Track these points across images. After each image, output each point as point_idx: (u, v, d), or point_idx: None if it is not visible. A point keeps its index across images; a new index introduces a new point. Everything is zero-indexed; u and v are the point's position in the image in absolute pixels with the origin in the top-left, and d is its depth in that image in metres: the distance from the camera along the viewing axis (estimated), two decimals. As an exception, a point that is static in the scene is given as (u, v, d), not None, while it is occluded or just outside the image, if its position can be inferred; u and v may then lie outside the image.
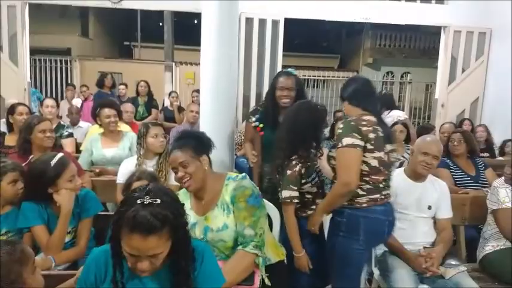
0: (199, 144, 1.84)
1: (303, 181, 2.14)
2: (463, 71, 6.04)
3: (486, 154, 4.61)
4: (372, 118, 2.01)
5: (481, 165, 3.23)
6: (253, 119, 2.75)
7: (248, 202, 1.78)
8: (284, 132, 2.19)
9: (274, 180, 2.33)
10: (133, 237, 1.17)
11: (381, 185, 2.01)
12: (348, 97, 2.11)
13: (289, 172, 2.10)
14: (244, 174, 1.93)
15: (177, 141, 1.84)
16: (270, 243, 1.94)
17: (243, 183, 1.84)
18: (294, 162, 2.10)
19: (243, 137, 4.75)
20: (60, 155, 1.98)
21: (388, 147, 2.03)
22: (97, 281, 1.35)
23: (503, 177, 2.55)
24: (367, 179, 1.96)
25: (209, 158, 1.89)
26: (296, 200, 2.11)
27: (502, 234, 2.42)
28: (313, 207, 2.17)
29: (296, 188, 2.10)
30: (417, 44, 14.55)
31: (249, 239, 1.76)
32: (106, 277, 1.34)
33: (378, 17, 6.05)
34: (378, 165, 1.96)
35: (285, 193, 2.10)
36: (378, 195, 2.00)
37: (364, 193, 1.97)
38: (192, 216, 1.82)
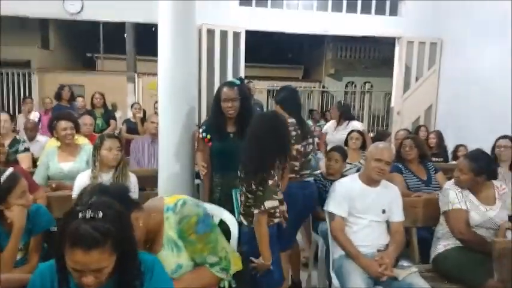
0: (121, 212, 1.30)
1: (277, 189, 2.16)
2: (417, 79, 6.33)
3: (440, 159, 4.84)
4: (294, 120, 2.65)
5: (432, 169, 3.38)
6: (200, 130, 2.76)
7: (198, 232, 1.63)
8: (265, 144, 2.11)
9: (230, 187, 2.42)
10: (75, 252, 1.16)
11: (297, 168, 2.63)
12: (278, 101, 2.81)
13: (270, 182, 2.08)
14: (182, 200, 1.69)
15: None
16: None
17: (184, 212, 1.64)
18: (272, 172, 2.10)
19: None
20: (10, 170, 1.92)
21: (304, 142, 2.68)
22: None
23: (453, 180, 2.67)
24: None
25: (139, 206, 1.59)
26: (277, 209, 2.14)
27: (452, 233, 2.53)
28: (278, 214, 2.18)
29: (276, 197, 2.12)
30: (376, 55, 15.08)
31: (215, 264, 1.69)
32: None
33: (335, 29, 6.26)
34: (295, 154, 2.60)
35: (268, 204, 2.07)
36: (293, 175, 2.59)
37: None
38: None
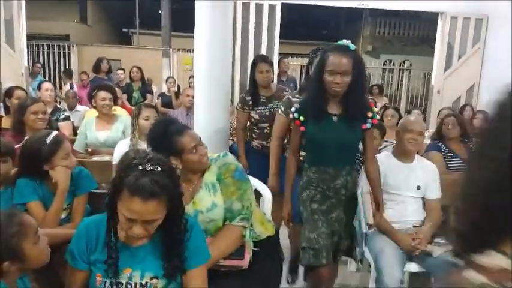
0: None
1: None
2: (459, 57, 6.05)
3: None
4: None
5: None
6: (292, 109, 2.10)
7: (234, 177, 1.82)
8: None
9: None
10: (134, 201, 1.22)
11: None
12: None
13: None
14: (224, 151, 1.97)
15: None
16: (258, 218, 1.96)
17: (226, 160, 1.87)
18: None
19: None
20: (54, 132, 2.01)
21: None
22: (88, 250, 1.38)
23: None
24: None
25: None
26: None
27: None
28: None
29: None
30: (416, 32, 14.49)
31: (236, 213, 1.78)
32: (96, 247, 1.38)
33: (375, 3, 6.04)
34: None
35: None
36: None
37: None
38: None
